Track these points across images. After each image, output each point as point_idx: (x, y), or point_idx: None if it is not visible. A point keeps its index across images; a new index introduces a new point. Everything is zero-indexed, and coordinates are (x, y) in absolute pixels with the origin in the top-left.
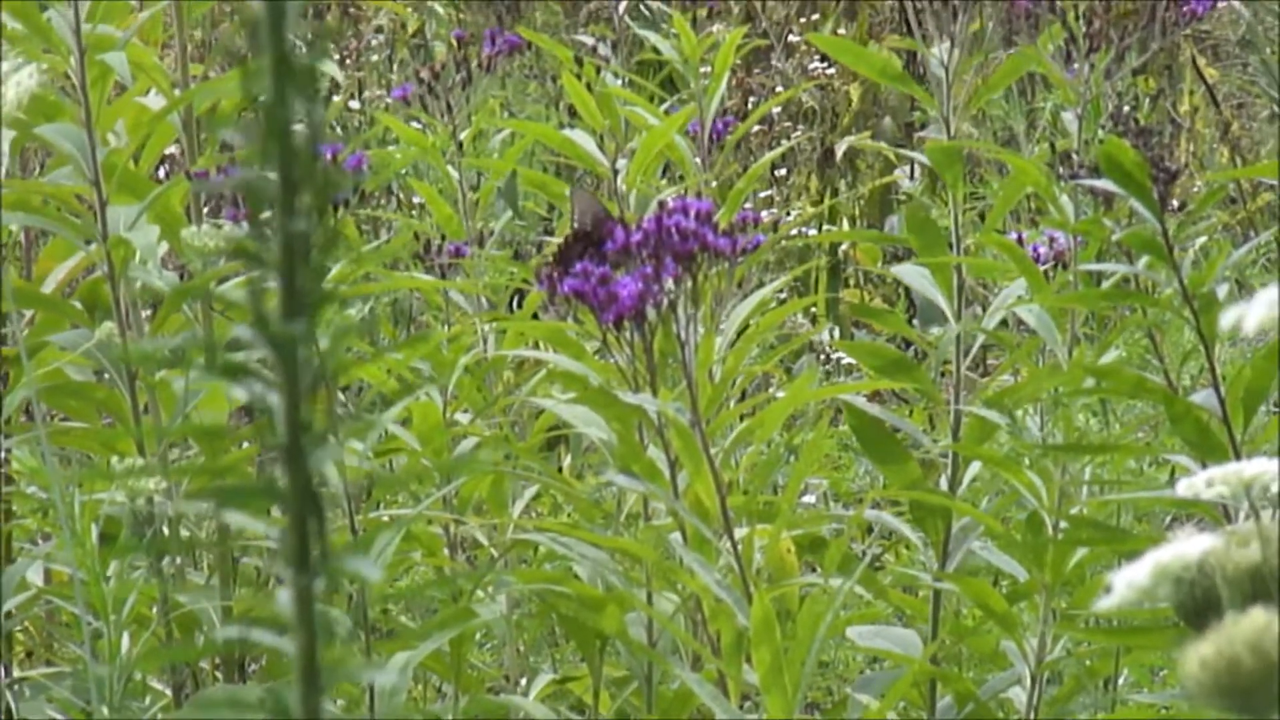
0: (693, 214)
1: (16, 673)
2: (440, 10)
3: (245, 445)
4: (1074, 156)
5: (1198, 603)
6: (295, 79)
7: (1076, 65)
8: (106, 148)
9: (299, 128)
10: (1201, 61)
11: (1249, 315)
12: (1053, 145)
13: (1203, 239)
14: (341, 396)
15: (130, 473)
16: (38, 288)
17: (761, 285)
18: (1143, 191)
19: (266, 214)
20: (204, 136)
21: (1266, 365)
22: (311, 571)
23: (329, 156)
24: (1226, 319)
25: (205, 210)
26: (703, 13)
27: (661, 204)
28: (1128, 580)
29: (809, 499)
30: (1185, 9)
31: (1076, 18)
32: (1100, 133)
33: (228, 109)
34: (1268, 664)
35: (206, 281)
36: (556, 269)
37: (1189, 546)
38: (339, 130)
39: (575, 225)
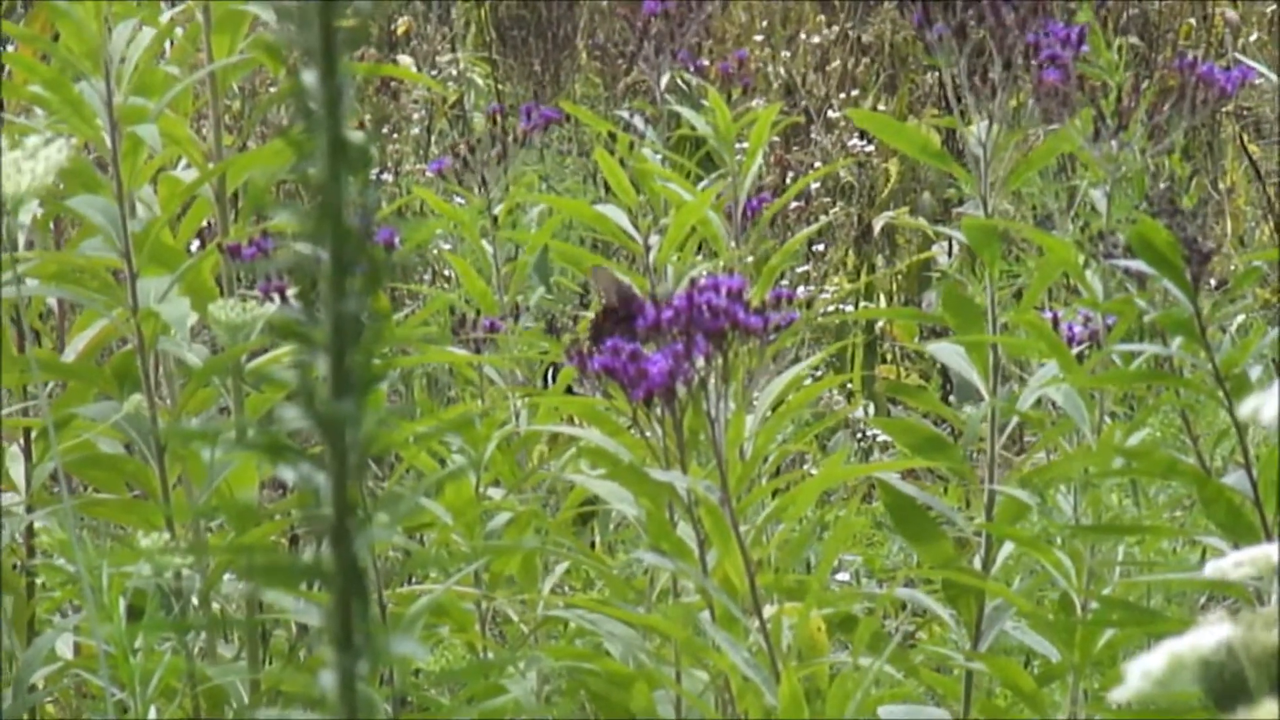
0: (724, 291)
1: None
2: (480, 81)
3: (278, 518)
4: (1107, 235)
5: (1226, 685)
6: (350, 160)
7: (1106, 143)
8: (137, 220)
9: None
10: (1244, 138)
11: (1266, 405)
12: (1085, 224)
13: (1241, 317)
14: (375, 469)
15: (159, 549)
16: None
17: (798, 360)
18: (1175, 272)
19: (310, 290)
20: (238, 209)
21: None
22: (355, 652)
23: (361, 229)
24: (1244, 409)
25: (238, 282)
26: (741, 90)
27: (693, 281)
28: (1143, 670)
29: (842, 576)
30: (1215, 88)
31: (1107, 96)
32: (1136, 212)
33: (262, 183)
34: None
35: (236, 355)
36: (588, 345)
37: (1205, 636)
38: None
39: (604, 303)
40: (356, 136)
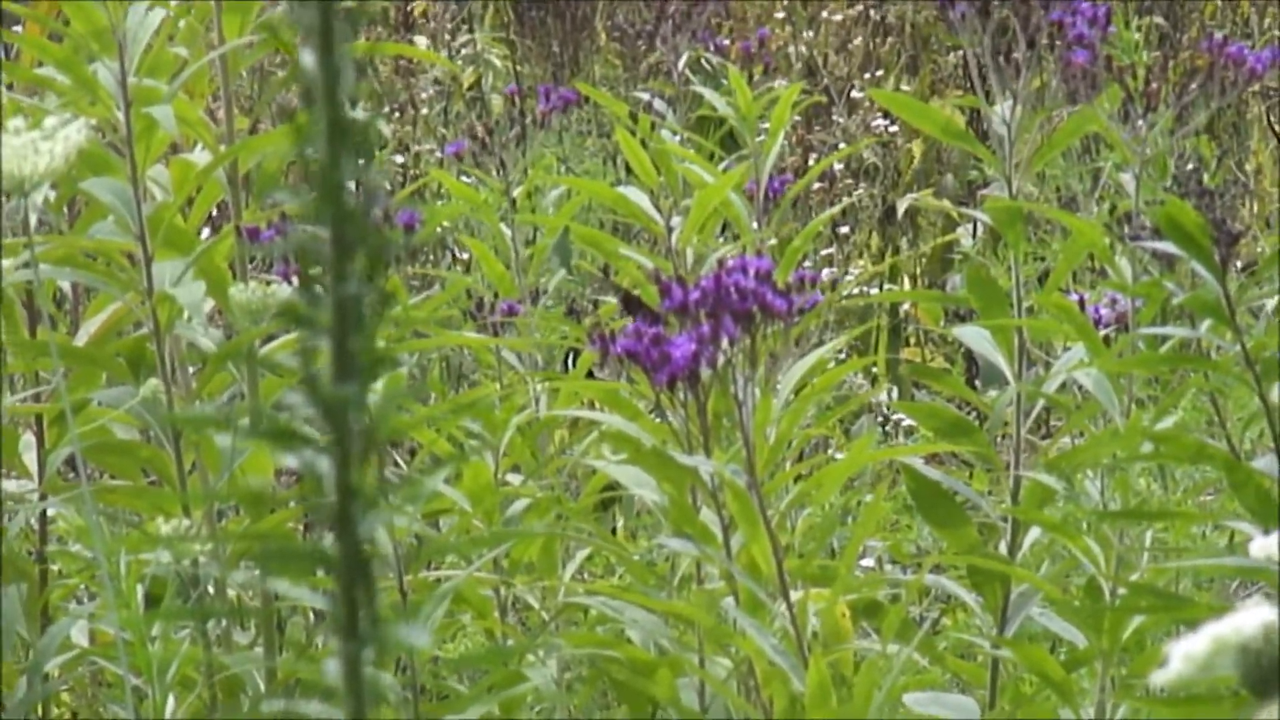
0: (752, 273)
1: None
2: (498, 63)
3: (291, 505)
4: (1135, 217)
5: (1264, 672)
6: (349, 140)
7: (1135, 124)
8: (150, 202)
9: (352, 189)
10: (1272, 118)
11: None
12: (1113, 206)
13: (1273, 300)
14: (394, 454)
15: (177, 535)
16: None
17: (821, 344)
18: (1204, 254)
19: (317, 273)
20: (250, 193)
21: None
22: (360, 639)
23: (380, 212)
24: (1276, 392)
25: (251, 266)
26: (762, 69)
27: (720, 262)
28: (1185, 653)
29: (866, 561)
30: (1245, 68)
31: (1134, 77)
32: (1163, 193)
33: (273, 165)
34: None
35: (252, 340)
36: (613, 328)
37: (1247, 619)
38: (391, 185)
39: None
40: (357, 117)
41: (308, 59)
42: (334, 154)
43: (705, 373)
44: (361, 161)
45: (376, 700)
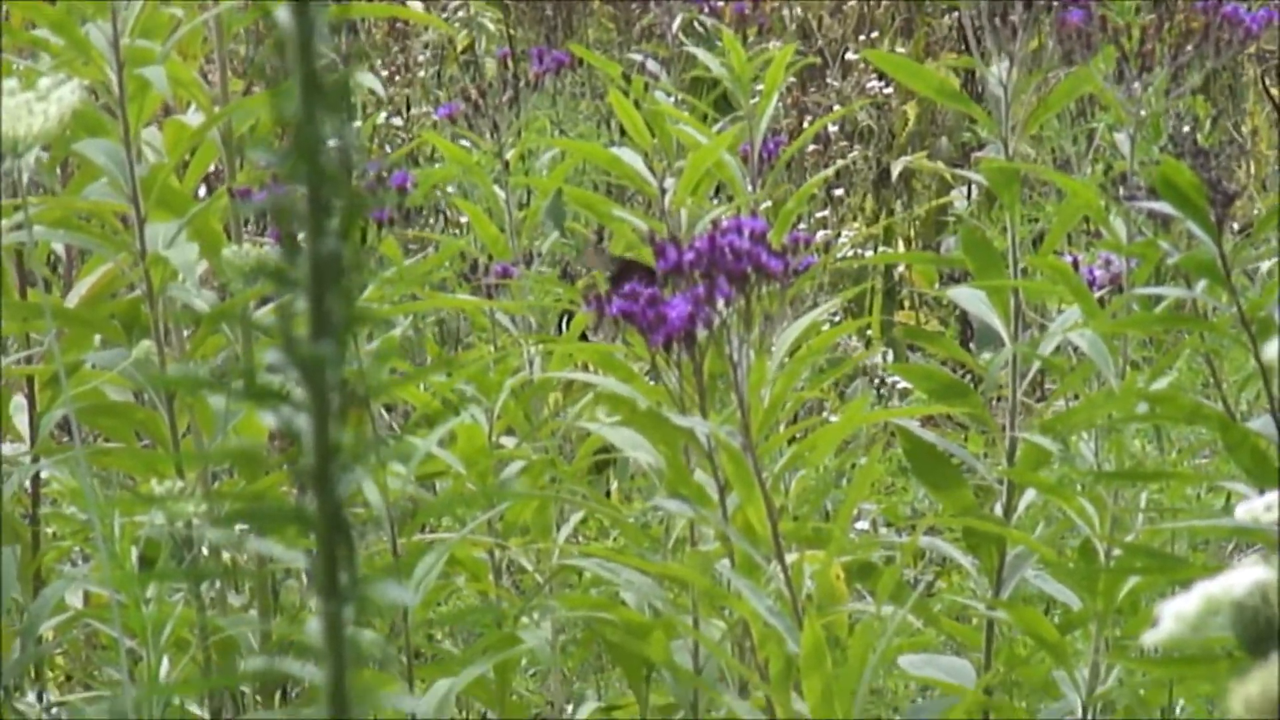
0: (747, 233)
1: (56, 696)
2: (491, 26)
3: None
4: (1130, 178)
5: (1260, 630)
6: (325, 97)
7: (1130, 85)
8: (145, 164)
9: (332, 146)
10: (1267, 81)
11: None
12: (1108, 167)
13: (1270, 262)
14: (388, 417)
15: (170, 496)
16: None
17: (815, 306)
18: (1199, 214)
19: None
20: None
21: None
22: (341, 598)
23: (373, 174)
24: (1267, 351)
25: (246, 229)
26: (756, 31)
27: (715, 223)
28: (1176, 612)
29: (861, 524)
30: (1241, 28)
31: (1129, 38)
32: (1158, 154)
33: (266, 127)
34: None
35: (245, 301)
36: (606, 290)
37: (1238, 578)
38: (384, 148)
39: (616, 263)
40: (333, 74)
41: (282, 15)
42: (310, 111)
43: (701, 334)
44: (340, 119)
45: (359, 660)
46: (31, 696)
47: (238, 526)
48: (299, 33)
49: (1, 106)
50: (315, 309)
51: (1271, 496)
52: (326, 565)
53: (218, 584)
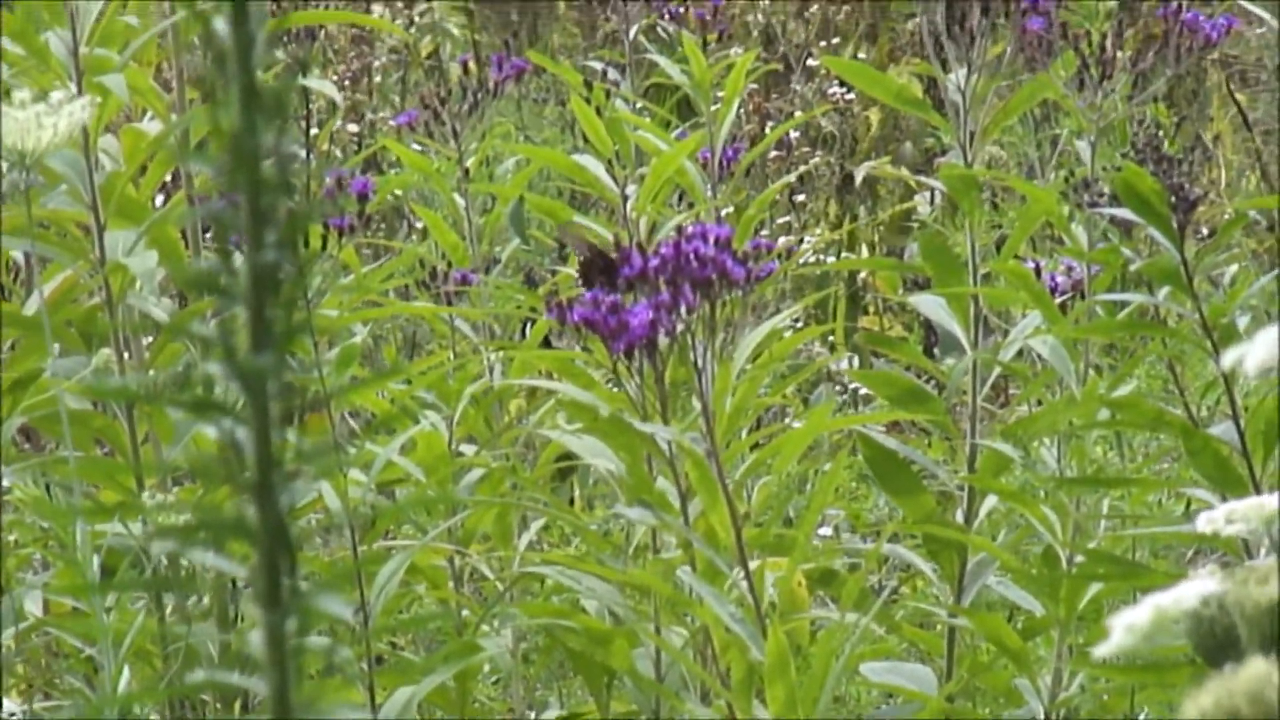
0: (712, 240)
1: (16, 705)
2: (456, 32)
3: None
4: (1092, 184)
5: (1217, 640)
6: (264, 107)
7: (1091, 91)
8: (102, 171)
9: (271, 157)
10: (1230, 86)
11: (1249, 356)
12: (1070, 173)
13: (1234, 267)
14: (352, 423)
15: (136, 506)
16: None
17: (778, 312)
18: (1161, 220)
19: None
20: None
21: None
22: (283, 610)
23: (334, 182)
24: (1227, 359)
25: (206, 235)
26: (717, 37)
27: (680, 229)
28: (1127, 624)
29: (824, 530)
30: (1199, 35)
31: (1090, 45)
32: (1120, 160)
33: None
34: (1267, 716)
35: (202, 310)
36: (569, 296)
37: (1189, 590)
38: (340, 155)
39: (582, 257)
40: (271, 83)
41: (220, 25)
42: (248, 121)
43: (663, 341)
44: (280, 128)
45: (306, 671)
46: None
47: (177, 538)
48: (237, 43)
49: (12, 119)
50: (255, 320)
51: (1232, 505)
52: (269, 576)
53: (180, 593)
